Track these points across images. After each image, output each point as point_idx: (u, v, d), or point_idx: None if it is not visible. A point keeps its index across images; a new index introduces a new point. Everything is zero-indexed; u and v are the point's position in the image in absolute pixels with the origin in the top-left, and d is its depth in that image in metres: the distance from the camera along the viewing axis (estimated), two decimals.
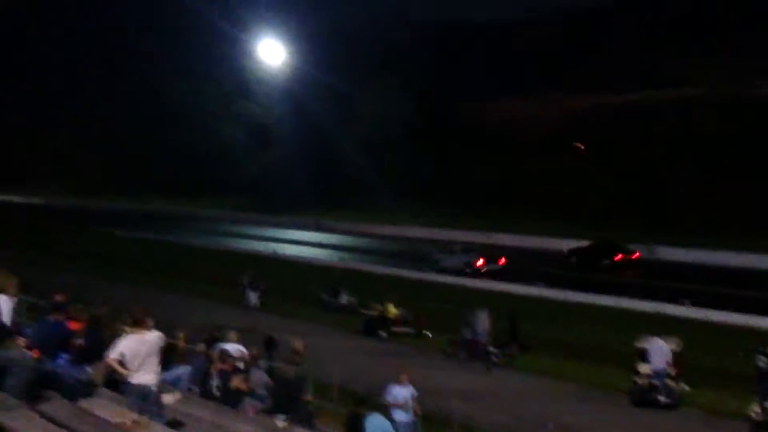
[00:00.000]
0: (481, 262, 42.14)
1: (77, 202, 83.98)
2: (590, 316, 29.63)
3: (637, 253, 42.65)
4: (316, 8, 69.99)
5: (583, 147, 62.10)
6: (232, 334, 15.11)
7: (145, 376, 7.35)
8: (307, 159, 67.26)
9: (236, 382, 11.82)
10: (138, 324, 7.45)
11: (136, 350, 7.29)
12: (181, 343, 15.16)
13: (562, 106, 66.97)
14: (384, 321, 26.40)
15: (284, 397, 12.27)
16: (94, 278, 34.31)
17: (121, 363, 7.35)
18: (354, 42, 68.12)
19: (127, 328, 10.02)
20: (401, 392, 13.44)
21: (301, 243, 51.33)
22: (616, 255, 42.55)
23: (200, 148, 79.85)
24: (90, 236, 56.06)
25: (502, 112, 67.77)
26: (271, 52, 65.80)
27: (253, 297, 31.15)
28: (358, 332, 26.73)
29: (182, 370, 12.92)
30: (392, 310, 26.60)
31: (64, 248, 47.79)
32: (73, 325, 9.04)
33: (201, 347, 15.28)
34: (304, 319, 28.21)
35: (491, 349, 22.39)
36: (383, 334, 26.03)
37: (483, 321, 22.91)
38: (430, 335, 26.08)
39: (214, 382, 11.77)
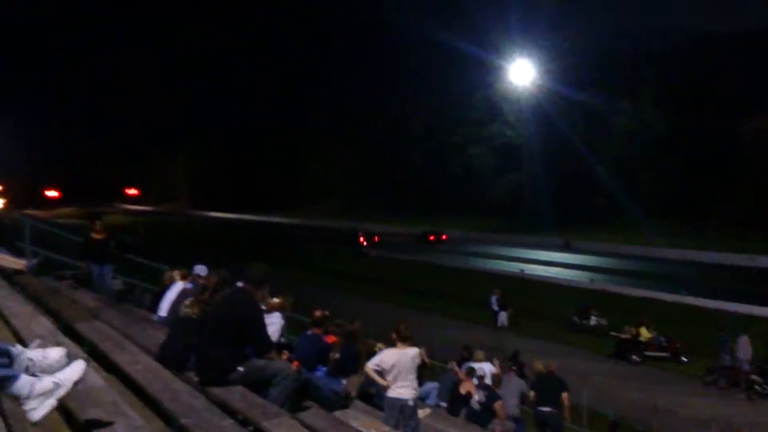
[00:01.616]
0: (361, 239, 66.18)
1: (338, 223, 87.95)
2: None
3: (444, 236, 67.80)
4: (566, 24, 68.67)
5: None
6: (480, 353, 15.29)
7: (402, 390, 7.56)
8: (555, 178, 66.36)
9: (497, 406, 11.88)
10: (403, 340, 7.69)
11: (394, 363, 7.53)
12: (425, 359, 15.57)
13: None
14: (636, 344, 25.50)
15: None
16: (349, 295, 35.90)
17: (379, 373, 7.66)
18: (605, 56, 66.06)
19: (380, 345, 10.44)
20: None
21: (549, 263, 50.61)
22: (431, 236, 68.04)
23: (453, 171, 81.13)
24: (345, 255, 58.58)
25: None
26: (522, 72, 65.69)
27: (502, 317, 31.17)
28: (608, 355, 26.02)
29: (431, 386, 13.22)
30: (645, 333, 25.63)
31: (323, 267, 50.52)
32: (330, 340, 9.56)
33: (452, 365, 15.59)
34: (552, 341, 27.89)
35: (754, 377, 20.97)
36: (635, 357, 25.14)
37: (744, 347, 21.51)
38: (686, 360, 24.85)
39: (477, 398, 11.88)
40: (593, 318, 30.03)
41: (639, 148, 64.41)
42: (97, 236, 13.41)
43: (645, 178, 63.26)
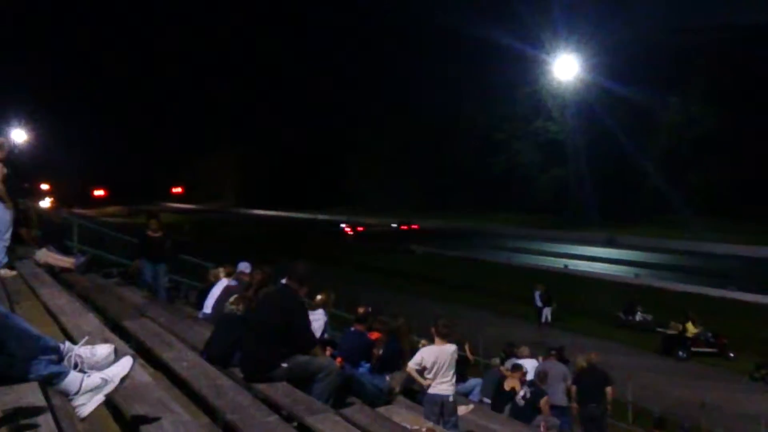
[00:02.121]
0: (347, 229, 78.73)
1: (380, 220, 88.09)
2: None
3: (415, 226, 78.97)
4: (613, 19, 67.54)
5: None
6: (524, 350, 15.20)
7: (442, 386, 7.57)
8: (600, 174, 65.74)
9: (542, 403, 11.80)
10: (442, 337, 7.70)
11: (435, 361, 7.54)
12: (469, 355, 15.54)
13: None
14: (683, 340, 25.17)
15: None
16: (394, 292, 35.92)
17: (420, 372, 7.66)
18: (652, 51, 65.04)
19: (424, 341, 10.44)
20: None
21: (593, 259, 50.19)
22: (402, 226, 78.91)
23: (497, 167, 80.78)
24: (390, 252, 58.64)
25: None
26: (566, 67, 65.10)
27: (545, 312, 30.97)
28: (654, 351, 25.74)
29: (474, 383, 13.17)
30: (692, 329, 25.29)
31: (368, 264, 50.60)
32: (374, 336, 9.59)
33: (495, 361, 15.51)
34: (597, 336, 27.63)
35: None
36: (682, 353, 24.82)
37: None
38: (734, 356, 24.47)
39: (522, 393, 11.81)
40: (639, 314, 29.71)
41: (686, 144, 63.55)
42: (153, 234, 13.34)
43: (692, 173, 62.36)
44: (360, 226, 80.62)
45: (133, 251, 13.94)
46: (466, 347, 15.52)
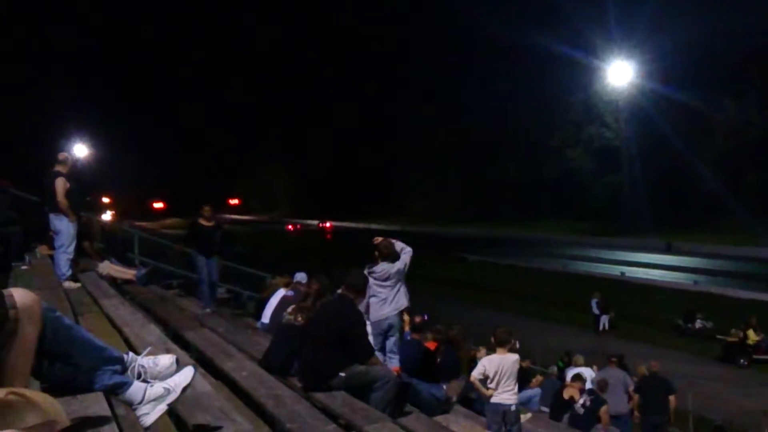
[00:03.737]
0: (290, 227, 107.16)
1: (432, 228, 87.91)
2: None
3: (329, 223, 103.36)
4: (667, 24, 66.45)
5: None
6: (580, 358, 15.06)
7: (504, 395, 7.54)
8: (655, 179, 64.80)
9: (602, 411, 11.65)
10: (502, 345, 7.67)
11: (497, 370, 7.52)
12: (524, 364, 15.44)
13: None
14: (744, 347, 24.67)
15: None
16: (449, 301, 35.81)
17: (482, 382, 7.65)
18: (708, 55, 63.85)
19: (482, 349, 10.41)
20: None
21: (650, 265, 49.38)
22: (320, 224, 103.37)
23: (550, 174, 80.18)
24: (444, 261, 58.47)
25: None
26: (620, 73, 64.30)
27: (603, 320, 30.66)
28: (714, 359, 25.27)
29: (533, 392, 13.09)
30: (753, 336, 24.78)
31: (422, 273, 50.44)
32: (430, 345, 9.58)
33: (553, 369, 15.39)
34: (656, 344, 27.20)
35: None
36: (743, 361, 24.32)
37: None
38: None
39: (581, 402, 11.69)
40: (698, 321, 29.19)
41: (743, 147, 62.29)
42: (205, 223, 12.50)
43: (749, 176, 61.13)
44: (298, 224, 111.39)
45: (184, 239, 13.02)
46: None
